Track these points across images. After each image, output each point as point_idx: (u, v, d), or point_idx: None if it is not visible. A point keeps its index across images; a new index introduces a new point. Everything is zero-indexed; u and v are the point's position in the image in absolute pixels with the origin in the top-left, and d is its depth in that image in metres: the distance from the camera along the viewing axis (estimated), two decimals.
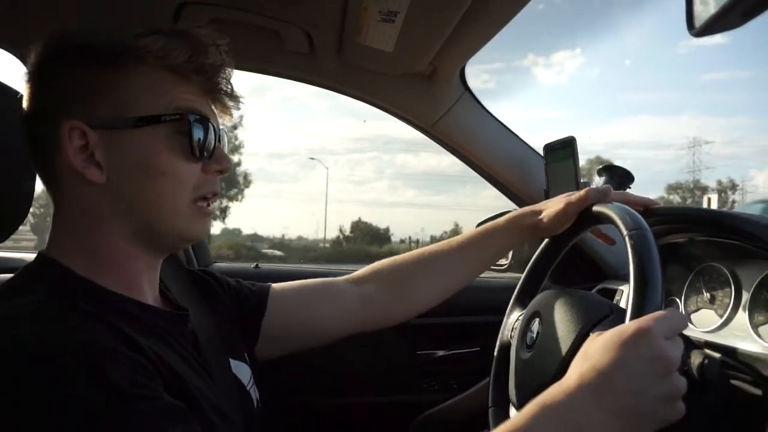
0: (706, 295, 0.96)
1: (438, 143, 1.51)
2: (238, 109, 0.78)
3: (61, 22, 0.70)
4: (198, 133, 0.69)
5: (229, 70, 0.74)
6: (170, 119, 0.68)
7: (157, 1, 1.16)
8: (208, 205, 0.73)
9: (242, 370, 0.84)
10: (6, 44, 1.21)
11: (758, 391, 0.76)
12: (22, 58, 1.22)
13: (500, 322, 0.99)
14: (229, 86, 0.75)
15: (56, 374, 0.52)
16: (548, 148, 1.36)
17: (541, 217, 0.93)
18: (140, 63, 0.67)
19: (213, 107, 0.75)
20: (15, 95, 0.80)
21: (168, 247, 0.74)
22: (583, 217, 0.89)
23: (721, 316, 0.90)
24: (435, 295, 1.01)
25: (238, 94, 0.76)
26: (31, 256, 1.32)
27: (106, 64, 0.67)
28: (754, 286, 0.87)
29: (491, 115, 1.48)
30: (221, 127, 0.76)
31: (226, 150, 0.77)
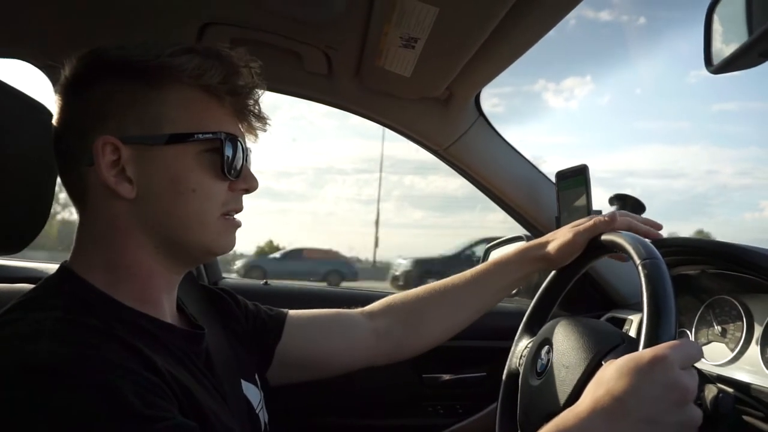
0: (717, 328, 0.96)
1: (451, 167, 1.52)
2: (265, 130, 0.79)
3: (85, 39, 0.72)
4: (228, 152, 0.71)
5: (260, 91, 0.76)
6: (203, 138, 0.69)
7: (181, 20, 1.19)
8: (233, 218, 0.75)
9: (252, 392, 0.84)
10: (30, 58, 1.23)
11: None
12: (47, 71, 1.25)
13: (507, 347, 0.99)
14: (258, 107, 0.77)
15: (71, 392, 0.52)
16: (560, 175, 1.37)
17: (549, 248, 0.94)
18: (175, 81, 0.69)
19: (240, 127, 0.76)
20: (37, 107, 0.82)
21: (194, 259, 0.76)
22: (594, 246, 0.90)
23: (732, 350, 0.90)
24: (447, 330, 1.01)
25: (266, 116, 0.78)
26: (47, 266, 1.33)
27: (141, 81, 0.68)
28: (766, 321, 0.87)
29: (504, 140, 1.50)
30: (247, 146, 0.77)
31: (252, 169, 0.78)
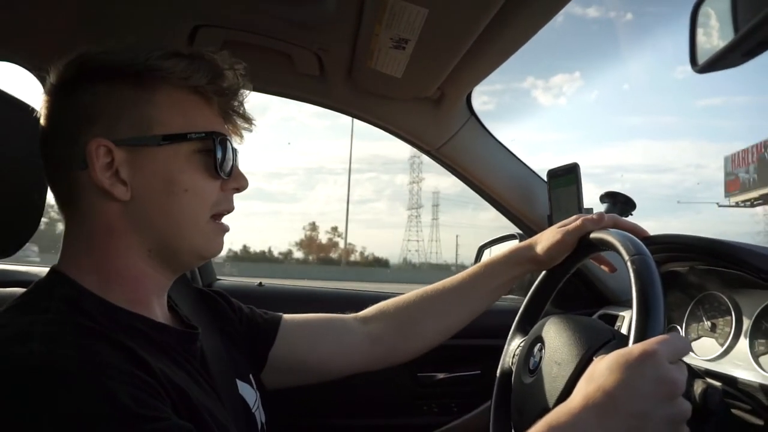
0: (707, 324, 0.97)
1: (443, 166, 1.53)
2: (251, 131, 0.81)
3: (78, 42, 0.72)
4: (220, 152, 0.72)
5: (245, 92, 0.77)
6: (195, 138, 0.70)
7: (173, 23, 1.19)
8: (222, 221, 0.76)
9: (248, 392, 0.84)
10: (20, 60, 1.23)
11: (759, 421, 0.76)
12: (38, 75, 1.25)
13: (501, 345, 0.99)
14: (243, 108, 0.78)
15: (64, 393, 0.52)
16: (552, 174, 1.38)
17: (539, 250, 0.94)
18: (165, 83, 0.70)
19: (226, 127, 0.77)
20: (28, 110, 0.82)
21: (184, 264, 0.75)
22: (583, 244, 0.90)
23: (721, 345, 0.91)
24: (440, 333, 1.02)
25: (251, 117, 0.80)
26: (38, 270, 1.33)
27: (131, 84, 0.68)
28: (754, 316, 0.88)
29: (496, 139, 1.50)
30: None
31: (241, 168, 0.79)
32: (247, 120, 0.79)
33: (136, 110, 0.68)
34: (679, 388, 0.58)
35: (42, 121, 0.71)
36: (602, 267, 1.01)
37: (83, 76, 0.69)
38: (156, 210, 0.69)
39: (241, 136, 0.80)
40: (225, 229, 0.76)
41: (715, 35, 0.58)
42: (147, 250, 0.70)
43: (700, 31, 0.60)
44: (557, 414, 0.60)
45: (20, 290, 0.69)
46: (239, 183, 0.76)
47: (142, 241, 0.69)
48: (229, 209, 0.76)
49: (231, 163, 0.74)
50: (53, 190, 0.72)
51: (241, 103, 0.78)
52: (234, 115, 0.77)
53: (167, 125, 0.69)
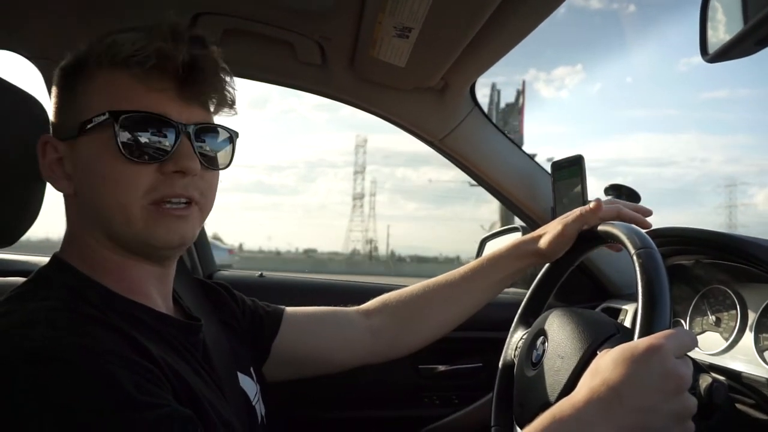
0: (712, 318, 0.96)
1: (446, 158, 1.51)
2: (214, 98, 0.71)
3: (75, 31, 0.72)
4: (127, 133, 0.64)
5: (197, 55, 0.67)
6: (98, 121, 0.64)
7: (173, 11, 1.17)
8: (173, 206, 0.67)
9: (248, 385, 0.84)
10: (21, 50, 1.22)
11: (763, 416, 0.76)
12: (37, 63, 1.24)
13: (503, 338, 0.99)
14: (197, 74, 0.66)
15: (66, 379, 0.52)
16: (556, 165, 1.37)
17: (541, 243, 0.93)
18: (98, 66, 0.66)
19: (192, 103, 0.68)
20: (29, 100, 0.81)
21: (146, 254, 0.69)
22: (588, 237, 0.89)
23: (726, 339, 0.91)
24: (442, 327, 1.02)
25: (208, 78, 0.68)
26: (39, 259, 1.32)
27: (74, 75, 0.68)
28: (760, 310, 0.87)
29: (500, 130, 1.49)
30: (218, 124, 0.71)
31: (207, 149, 0.70)
32: (202, 84, 0.68)
33: (75, 102, 0.67)
34: (686, 383, 0.58)
35: None
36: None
37: (57, 78, 0.71)
38: (92, 200, 0.67)
39: (227, 106, 0.71)
40: (172, 214, 0.67)
41: (726, 24, 0.57)
42: (108, 240, 0.68)
43: (710, 20, 0.59)
44: (561, 407, 0.59)
45: (22, 280, 0.69)
46: (179, 165, 0.66)
47: (101, 233, 0.68)
48: (171, 194, 0.66)
49: (165, 143, 0.65)
50: None
51: (191, 68, 0.66)
52: (183, 83, 0.66)
53: (92, 112, 0.65)
